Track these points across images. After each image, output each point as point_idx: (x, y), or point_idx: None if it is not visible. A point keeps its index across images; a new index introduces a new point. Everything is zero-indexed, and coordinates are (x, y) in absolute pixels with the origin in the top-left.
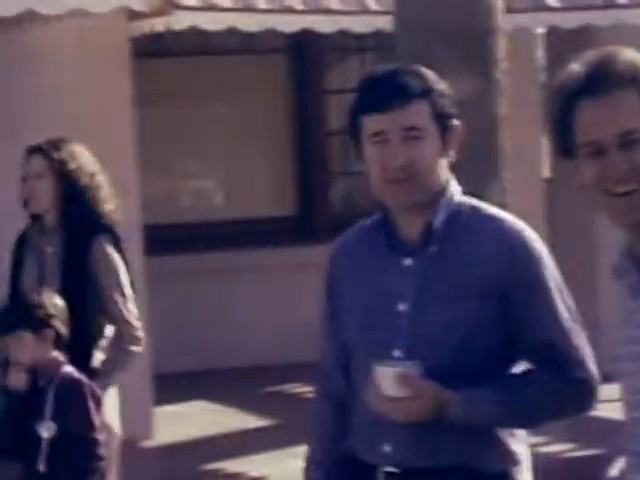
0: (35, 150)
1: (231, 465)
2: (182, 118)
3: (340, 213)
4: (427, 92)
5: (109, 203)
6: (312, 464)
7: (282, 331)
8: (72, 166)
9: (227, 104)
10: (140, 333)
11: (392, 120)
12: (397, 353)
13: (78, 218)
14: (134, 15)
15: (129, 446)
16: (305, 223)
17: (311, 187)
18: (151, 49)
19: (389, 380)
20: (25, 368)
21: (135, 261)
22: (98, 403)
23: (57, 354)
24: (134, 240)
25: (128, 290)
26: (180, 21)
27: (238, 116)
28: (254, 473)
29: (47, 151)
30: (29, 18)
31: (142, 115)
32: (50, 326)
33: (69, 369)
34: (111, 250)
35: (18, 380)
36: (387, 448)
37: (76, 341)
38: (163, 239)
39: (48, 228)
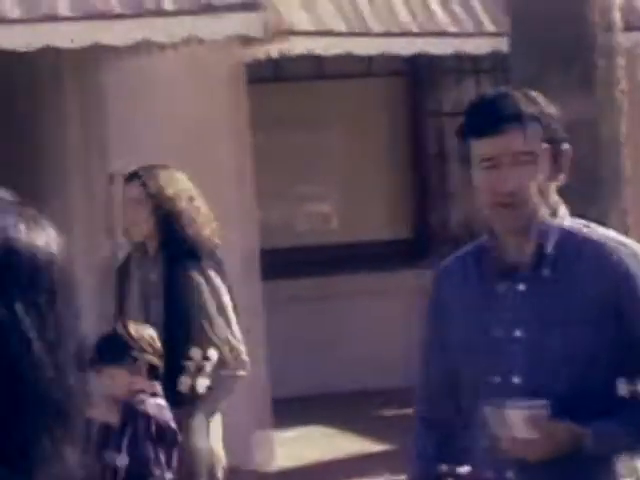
0: (132, 177)
1: None
2: (298, 143)
3: (456, 236)
4: (538, 116)
5: (208, 227)
6: None
7: (399, 355)
8: (168, 192)
9: (343, 128)
10: (245, 357)
11: (503, 145)
12: (516, 380)
13: (178, 244)
14: (249, 41)
15: (251, 471)
16: (421, 246)
17: (427, 210)
18: (266, 75)
19: (519, 422)
20: (117, 401)
21: (253, 286)
22: (170, 440)
23: (147, 385)
24: (252, 265)
25: (231, 314)
26: (295, 46)
27: (354, 140)
28: None
29: (143, 177)
30: (145, 46)
31: (258, 140)
32: (142, 359)
33: (152, 402)
34: (213, 275)
35: (109, 413)
36: (510, 475)
37: (181, 366)
38: (280, 263)
39: (149, 255)
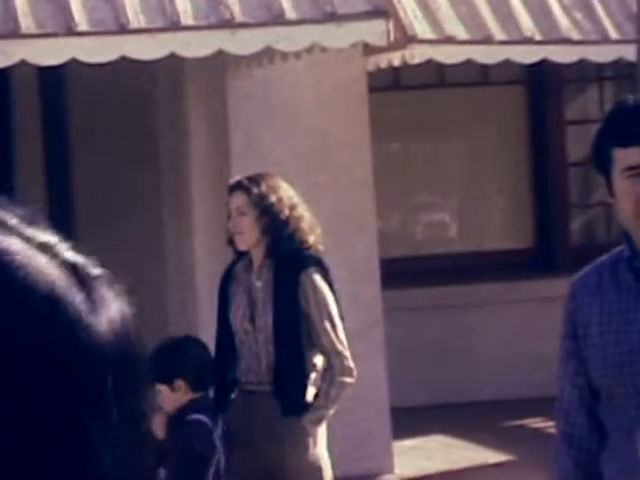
0: (236, 187)
1: None
2: (418, 151)
3: (579, 246)
4: None
5: (313, 235)
6: None
7: (518, 365)
8: (272, 200)
9: (464, 136)
10: (351, 363)
11: None
12: None
13: (285, 251)
14: (371, 49)
15: None
16: (543, 256)
17: (550, 219)
18: (388, 83)
19: None
20: (164, 417)
21: (373, 295)
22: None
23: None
24: (371, 274)
25: (338, 321)
26: (417, 55)
27: (475, 148)
28: None
29: (247, 187)
30: (268, 55)
31: (378, 148)
32: (179, 377)
33: (193, 418)
34: (320, 282)
35: (159, 430)
36: None
37: (289, 374)
38: (399, 273)
39: (255, 263)
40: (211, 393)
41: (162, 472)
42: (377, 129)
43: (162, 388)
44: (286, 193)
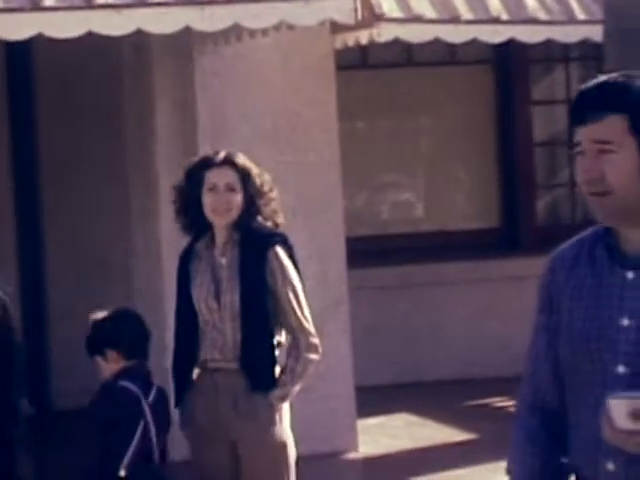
0: (224, 162)
1: (434, 478)
2: (385, 130)
3: (544, 226)
4: (626, 106)
5: (280, 214)
6: (516, 477)
7: (483, 344)
8: (256, 178)
9: (431, 116)
10: (316, 340)
11: (585, 133)
12: (621, 369)
13: (256, 230)
14: (338, 27)
15: (334, 458)
16: (509, 235)
17: (515, 199)
18: (354, 61)
19: (623, 413)
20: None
21: (338, 273)
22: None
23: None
24: (337, 252)
25: (303, 298)
26: (384, 33)
27: (442, 128)
28: None
29: (236, 163)
30: (235, 32)
31: (345, 127)
32: (111, 347)
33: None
34: (287, 260)
35: None
36: (610, 466)
37: (256, 350)
38: (365, 251)
39: (218, 240)
40: (146, 362)
41: None
42: (344, 108)
43: (97, 359)
44: (265, 174)
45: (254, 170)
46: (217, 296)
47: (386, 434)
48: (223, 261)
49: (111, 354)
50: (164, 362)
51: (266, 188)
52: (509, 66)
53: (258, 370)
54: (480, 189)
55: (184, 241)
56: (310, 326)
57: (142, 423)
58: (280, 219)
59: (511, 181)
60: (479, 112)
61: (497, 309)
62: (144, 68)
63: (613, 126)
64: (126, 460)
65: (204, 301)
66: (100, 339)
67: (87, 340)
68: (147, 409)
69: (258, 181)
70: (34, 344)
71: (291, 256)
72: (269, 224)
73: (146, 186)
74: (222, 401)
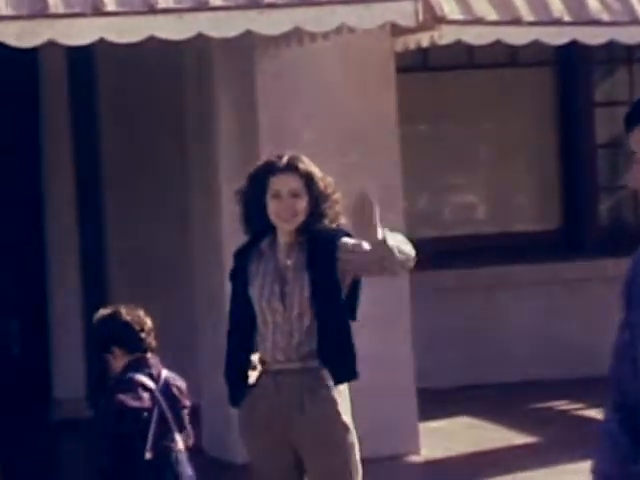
0: (287, 168)
1: None
2: (446, 132)
3: (607, 227)
4: None
5: (342, 216)
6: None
7: (547, 346)
8: (321, 183)
9: (492, 118)
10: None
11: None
12: None
13: (322, 231)
14: (399, 30)
15: (395, 461)
16: (571, 238)
17: (578, 201)
18: (415, 64)
19: None
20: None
21: (401, 275)
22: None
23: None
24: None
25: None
26: (445, 35)
27: (503, 129)
28: None
29: (299, 168)
30: (296, 36)
31: (406, 130)
32: (114, 344)
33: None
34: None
35: None
36: None
37: (337, 344)
38: (427, 253)
39: (282, 241)
40: (148, 354)
41: None
42: (405, 110)
43: (107, 357)
44: (327, 177)
45: (317, 174)
46: (282, 297)
47: (448, 437)
48: (288, 262)
49: (117, 351)
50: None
51: (329, 191)
52: (571, 68)
53: (342, 363)
54: (542, 191)
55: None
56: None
57: (156, 409)
58: (343, 220)
59: (573, 183)
60: (541, 114)
61: (560, 311)
62: (205, 72)
63: None
64: (149, 444)
65: (267, 302)
66: (105, 338)
67: (94, 340)
68: (159, 396)
69: (321, 184)
70: None
71: None
72: (333, 226)
73: (207, 188)
74: (286, 402)
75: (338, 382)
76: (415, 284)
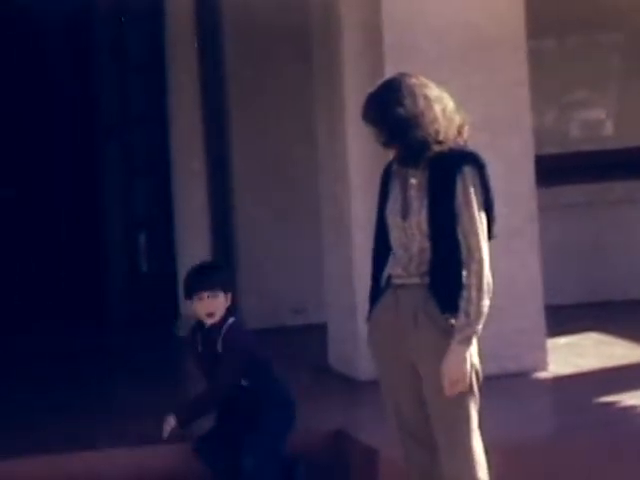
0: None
1: (625, 398)
2: (574, 46)
3: None
4: None
5: (467, 132)
6: None
7: None
8: (437, 100)
9: (622, 31)
10: (486, 272)
11: None
12: None
13: (446, 151)
14: None
15: (523, 377)
16: None
17: None
18: None
19: None
20: None
21: (528, 192)
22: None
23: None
24: (526, 171)
25: (480, 228)
26: None
27: (633, 42)
28: None
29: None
30: None
31: (533, 45)
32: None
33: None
34: (473, 182)
35: None
36: None
37: (444, 271)
38: (554, 170)
39: (412, 159)
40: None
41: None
42: (532, 25)
43: (220, 295)
44: (446, 94)
45: (436, 91)
46: (404, 215)
47: (576, 353)
48: (413, 181)
49: (228, 294)
50: (353, 283)
51: (449, 108)
52: None
53: (447, 293)
54: None
55: (371, 162)
56: (481, 258)
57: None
58: (465, 136)
59: None
60: None
61: None
62: None
63: None
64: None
65: (393, 218)
66: (229, 279)
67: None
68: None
69: (439, 102)
70: (224, 258)
71: (482, 175)
72: (462, 143)
73: (333, 108)
74: (403, 317)
75: (443, 311)
76: (543, 200)
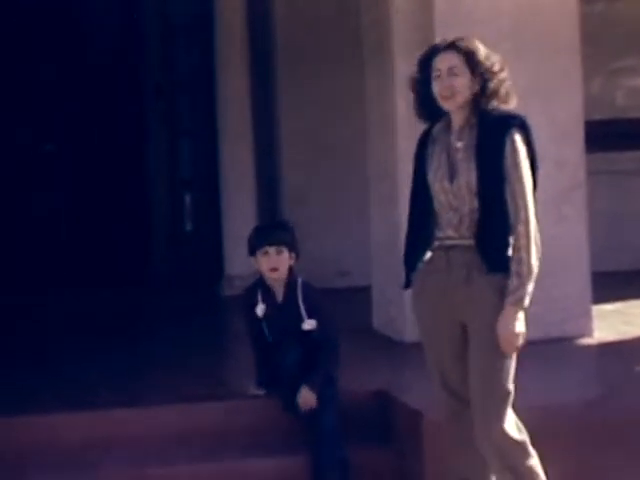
0: (449, 47)
1: None
2: (624, 11)
3: None
4: None
5: (513, 95)
6: None
7: None
8: (484, 61)
9: None
10: (533, 236)
11: None
12: None
13: (493, 113)
14: None
15: (568, 343)
16: None
17: None
18: None
19: None
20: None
21: (576, 157)
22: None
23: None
24: (575, 136)
25: (528, 190)
26: None
27: None
28: None
29: (461, 47)
30: None
31: (584, 11)
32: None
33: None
34: (521, 145)
35: None
36: None
37: (493, 231)
38: (603, 135)
39: (455, 124)
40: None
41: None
42: None
43: (284, 251)
44: (494, 55)
45: (481, 51)
46: (451, 178)
47: (622, 320)
48: (459, 144)
49: (290, 254)
50: (399, 246)
51: (496, 68)
52: None
53: (496, 251)
54: None
55: (419, 124)
56: (528, 218)
57: None
58: (514, 101)
59: None
60: None
61: None
62: None
63: None
64: None
65: (439, 183)
66: (294, 238)
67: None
68: None
69: (487, 63)
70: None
71: (528, 139)
72: (505, 106)
73: (381, 70)
74: (454, 276)
75: (490, 272)
76: (591, 165)
